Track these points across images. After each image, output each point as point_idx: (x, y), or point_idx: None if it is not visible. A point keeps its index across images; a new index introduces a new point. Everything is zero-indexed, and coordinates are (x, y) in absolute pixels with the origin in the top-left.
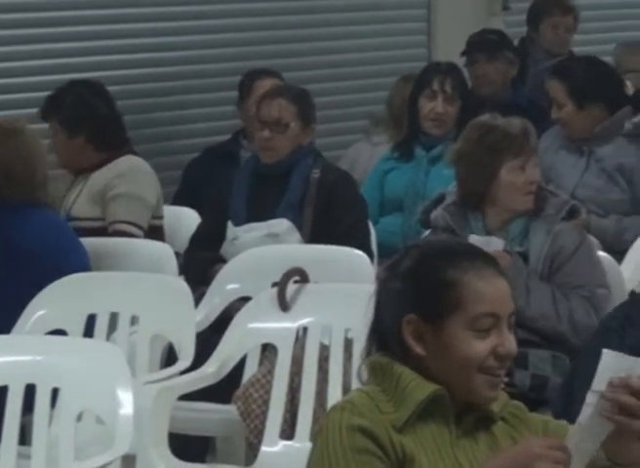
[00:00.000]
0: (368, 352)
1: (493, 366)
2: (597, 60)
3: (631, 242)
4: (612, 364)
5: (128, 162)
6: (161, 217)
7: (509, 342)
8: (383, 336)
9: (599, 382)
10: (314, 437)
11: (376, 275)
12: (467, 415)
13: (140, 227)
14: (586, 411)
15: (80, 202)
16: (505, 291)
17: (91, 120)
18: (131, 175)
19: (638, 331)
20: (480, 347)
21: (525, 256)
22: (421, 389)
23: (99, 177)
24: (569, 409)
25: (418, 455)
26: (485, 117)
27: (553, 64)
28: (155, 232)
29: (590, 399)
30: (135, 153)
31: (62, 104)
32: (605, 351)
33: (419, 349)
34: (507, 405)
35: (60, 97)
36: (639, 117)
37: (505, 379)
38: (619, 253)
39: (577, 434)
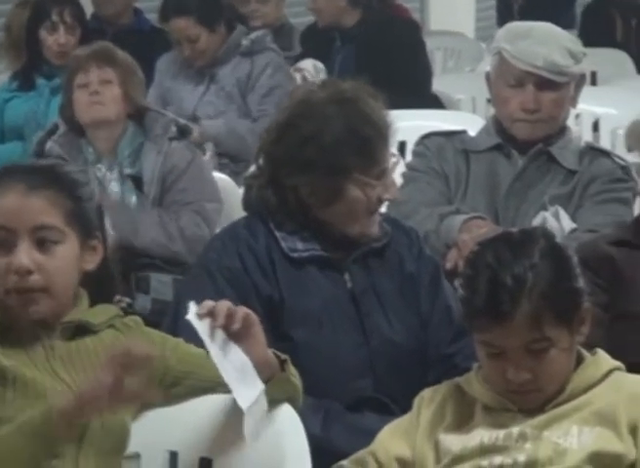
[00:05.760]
0: None
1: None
2: None
3: None
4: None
5: None
6: None
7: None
8: None
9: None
10: None
11: None
12: (55, 327)
13: None
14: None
15: None
16: (21, 205)
17: None
18: None
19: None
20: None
21: (138, 178)
22: None
23: None
24: (175, 326)
25: (15, 370)
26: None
27: (172, 8)
28: None
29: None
30: None
31: None
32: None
33: None
34: (117, 317)
35: None
36: (255, 34)
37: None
38: None
39: None
